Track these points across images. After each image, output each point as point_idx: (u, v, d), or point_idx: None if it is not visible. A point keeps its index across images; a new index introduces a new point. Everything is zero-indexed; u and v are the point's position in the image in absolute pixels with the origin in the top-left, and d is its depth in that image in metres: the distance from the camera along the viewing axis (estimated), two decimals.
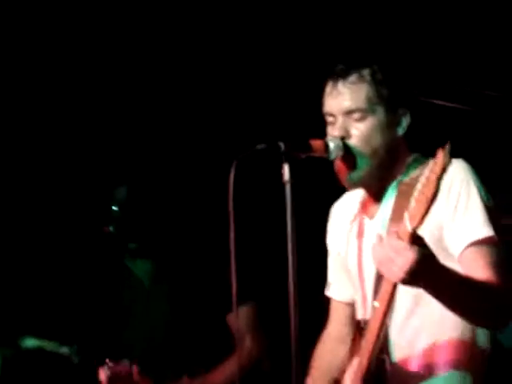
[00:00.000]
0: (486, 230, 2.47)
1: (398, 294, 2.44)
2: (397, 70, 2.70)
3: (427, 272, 2.25)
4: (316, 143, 2.58)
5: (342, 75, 2.63)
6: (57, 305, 4.51)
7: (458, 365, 2.55)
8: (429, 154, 2.45)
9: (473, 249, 2.46)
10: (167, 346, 3.82)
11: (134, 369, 3.19)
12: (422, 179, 2.22)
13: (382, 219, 2.62)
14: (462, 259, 2.47)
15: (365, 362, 2.52)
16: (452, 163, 2.45)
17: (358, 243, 2.73)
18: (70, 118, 4.59)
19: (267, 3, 4.22)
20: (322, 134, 2.67)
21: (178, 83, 4.56)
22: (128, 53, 4.45)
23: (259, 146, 2.51)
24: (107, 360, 3.16)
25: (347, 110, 2.62)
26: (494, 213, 2.50)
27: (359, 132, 2.62)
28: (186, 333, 3.83)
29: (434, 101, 3.98)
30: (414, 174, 2.56)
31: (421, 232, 2.26)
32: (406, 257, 2.21)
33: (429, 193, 2.18)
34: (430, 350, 2.57)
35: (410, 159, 2.66)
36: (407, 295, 2.53)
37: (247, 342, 3.82)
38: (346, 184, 2.67)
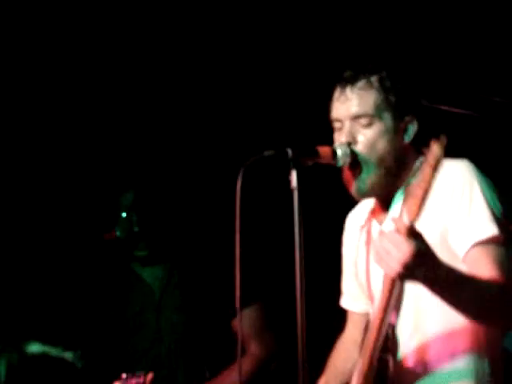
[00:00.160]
0: (490, 230, 2.46)
1: (405, 292, 2.44)
2: (405, 77, 2.70)
3: (424, 266, 2.24)
4: (324, 150, 2.58)
5: (351, 81, 2.65)
6: (62, 310, 4.50)
7: (475, 350, 2.53)
8: None
9: (478, 248, 2.46)
10: (178, 352, 3.81)
11: (148, 378, 3.17)
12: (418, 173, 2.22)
13: (390, 224, 2.61)
14: (467, 259, 2.47)
15: (366, 360, 2.52)
16: (456, 164, 2.48)
17: (367, 249, 2.74)
18: (77, 123, 4.58)
19: (276, 9, 4.21)
20: (329, 141, 2.66)
21: (186, 88, 4.55)
22: (140, 61, 4.45)
23: (267, 153, 2.51)
24: (123, 373, 3.14)
25: (354, 115, 2.63)
26: (500, 213, 2.49)
27: (365, 138, 2.62)
28: (196, 338, 3.82)
29: (441, 107, 3.98)
30: (419, 177, 2.58)
31: (425, 234, 2.27)
32: (403, 250, 2.21)
33: (424, 185, 2.18)
34: (443, 338, 2.55)
35: (417, 163, 2.65)
36: (414, 294, 2.53)
37: (253, 347, 3.81)
38: (354, 194, 2.67)
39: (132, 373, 3.15)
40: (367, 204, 2.80)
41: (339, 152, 2.59)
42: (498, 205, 2.50)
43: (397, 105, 2.63)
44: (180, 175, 4.44)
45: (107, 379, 3.26)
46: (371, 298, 2.72)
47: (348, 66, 2.71)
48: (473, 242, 2.46)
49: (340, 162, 2.60)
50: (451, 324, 2.54)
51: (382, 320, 2.46)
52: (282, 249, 2.74)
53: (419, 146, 2.62)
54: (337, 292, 2.99)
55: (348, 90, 2.64)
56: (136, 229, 3.84)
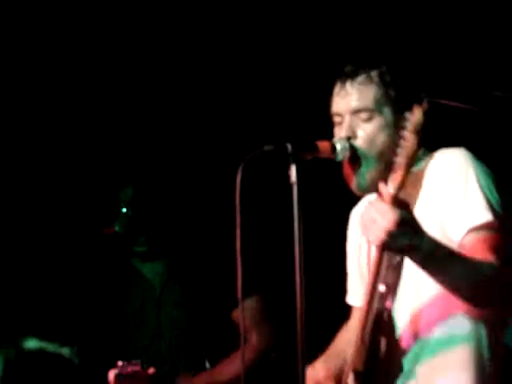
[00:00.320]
0: (485, 215, 2.45)
1: (404, 278, 2.47)
2: (405, 72, 2.70)
3: (408, 234, 2.25)
4: (323, 144, 2.57)
5: (351, 76, 2.64)
6: (60, 306, 4.49)
7: (470, 314, 2.52)
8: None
9: (473, 234, 2.45)
10: (179, 348, 3.81)
11: (150, 372, 3.17)
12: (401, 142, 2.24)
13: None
14: (463, 245, 2.46)
15: (357, 339, 2.54)
16: (452, 152, 2.52)
17: (369, 244, 2.73)
18: (76, 120, 4.58)
19: (275, 5, 4.21)
20: (329, 135, 2.66)
21: (185, 84, 4.56)
22: (138, 58, 4.45)
23: (266, 147, 2.50)
24: (118, 361, 3.14)
25: (354, 109, 2.63)
26: (495, 200, 2.48)
27: (365, 133, 2.62)
28: (197, 333, 3.82)
29: (441, 101, 3.98)
30: (419, 166, 2.59)
31: (425, 224, 2.28)
32: (387, 218, 2.22)
33: (406, 151, 2.21)
34: (437, 302, 2.54)
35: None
36: (413, 279, 2.53)
37: (253, 338, 3.82)
38: (354, 190, 2.67)
39: (128, 361, 3.15)
40: (370, 197, 2.79)
41: (338, 146, 2.59)
42: (494, 192, 2.50)
43: (397, 99, 2.63)
44: (179, 170, 4.44)
45: (105, 375, 3.25)
46: None
47: (348, 60, 2.71)
48: (467, 228, 2.46)
49: (339, 157, 2.59)
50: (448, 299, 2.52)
51: (372, 295, 2.48)
52: (281, 243, 2.73)
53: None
54: (336, 285, 3.00)
55: (348, 85, 2.64)
56: (135, 224, 3.84)
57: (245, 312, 3.72)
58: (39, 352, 3.89)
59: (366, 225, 2.28)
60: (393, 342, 2.58)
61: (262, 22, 4.28)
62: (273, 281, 3.98)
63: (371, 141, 2.62)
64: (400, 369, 2.58)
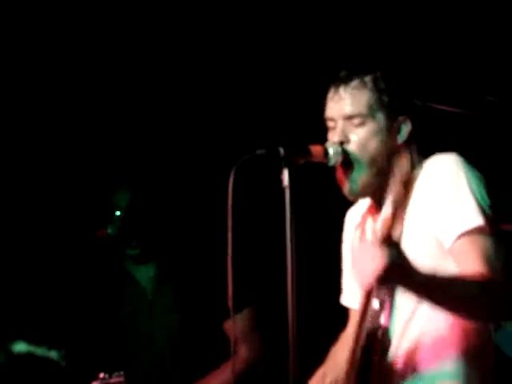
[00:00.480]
0: (476, 220, 2.45)
1: (398, 296, 2.49)
2: (398, 77, 2.70)
3: (397, 276, 2.27)
4: (315, 149, 2.58)
5: (344, 81, 2.65)
6: (50, 308, 4.48)
7: (464, 354, 2.53)
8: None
9: (464, 239, 2.45)
10: (172, 353, 3.80)
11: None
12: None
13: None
14: (453, 250, 2.47)
15: (349, 358, 2.54)
16: (443, 157, 2.54)
17: None
18: (72, 122, 4.56)
19: (270, 8, 4.21)
20: (322, 140, 2.66)
21: (179, 88, 4.55)
22: (134, 60, 4.44)
23: (259, 151, 2.50)
24: (100, 373, 3.11)
25: (348, 114, 2.63)
26: (487, 205, 2.48)
27: (358, 138, 2.62)
28: (190, 339, 3.81)
29: (434, 106, 3.99)
30: (412, 174, 2.59)
31: (417, 232, 2.34)
32: (376, 262, 2.23)
33: (395, 199, 2.29)
34: (433, 341, 2.55)
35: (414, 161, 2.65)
36: (408, 299, 2.52)
37: (242, 350, 3.79)
38: (346, 194, 2.67)
39: (110, 373, 3.12)
40: (366, 202, 2.80)
41: (331, 151, 2.59)
42: (486, 197, 2.50)
43: (390, 105, 2.63)
44: (173, 174, 4.44)
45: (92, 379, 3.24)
46: None
47: (342, 65, 2.71)
48: (458, 233, 2.46)
49: (332, 161, 2.60)
50: (443, 328, 2.53)
51: (364, 314, 2.48)
52: (273, 247, 2.73)
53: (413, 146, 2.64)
54: (329, 292, 2.99)
55: (341, 90, 2.64)
56: (128, 227, 3.83)
57: (236, 323, 3.71)
58: (28, 355, 3.87)
59: (357, 265, 2.30)
60: (387, 364, 2.58)
61: (257, 26, 4.28)
62: (265, 289, 3.97)
63: (364, 146, 2.62)
64: None
